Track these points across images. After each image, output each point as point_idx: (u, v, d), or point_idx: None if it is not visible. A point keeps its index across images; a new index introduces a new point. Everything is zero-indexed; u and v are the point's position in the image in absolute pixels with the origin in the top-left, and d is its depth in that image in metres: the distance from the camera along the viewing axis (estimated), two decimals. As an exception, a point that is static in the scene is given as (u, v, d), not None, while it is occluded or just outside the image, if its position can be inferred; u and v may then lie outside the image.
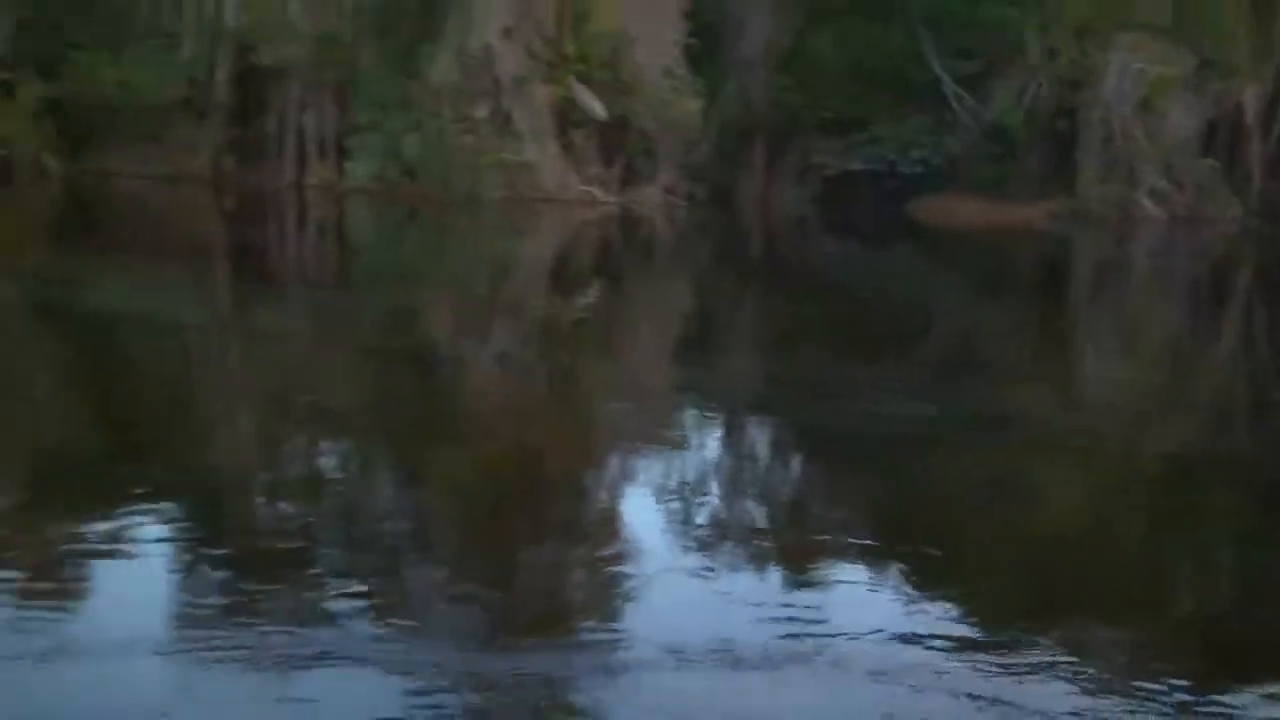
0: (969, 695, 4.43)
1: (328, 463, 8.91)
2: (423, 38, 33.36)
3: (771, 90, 37.16)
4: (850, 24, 35.90)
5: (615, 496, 8.02)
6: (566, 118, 33.99)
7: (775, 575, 6.03)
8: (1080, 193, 33.38)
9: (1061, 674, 4.68)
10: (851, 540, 6.63)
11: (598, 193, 34.13)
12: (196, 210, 30.64)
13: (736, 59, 37.71)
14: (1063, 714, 4.26)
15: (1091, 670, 4.74)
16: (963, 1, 33.49)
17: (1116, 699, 4.53)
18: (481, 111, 32.91)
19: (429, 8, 33.48)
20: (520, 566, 6.17)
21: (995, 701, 4.48)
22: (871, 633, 4.95)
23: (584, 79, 33.82)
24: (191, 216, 29.32)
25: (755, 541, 6.75)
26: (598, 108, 33.70)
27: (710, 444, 9.70)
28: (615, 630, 5.17)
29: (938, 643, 4.85)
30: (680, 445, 9.36)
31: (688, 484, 8.00)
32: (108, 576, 5.72)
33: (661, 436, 9.53)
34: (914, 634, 4.96)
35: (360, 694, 4.43)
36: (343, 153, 34.77)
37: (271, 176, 35.31)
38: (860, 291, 21.45)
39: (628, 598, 5.65)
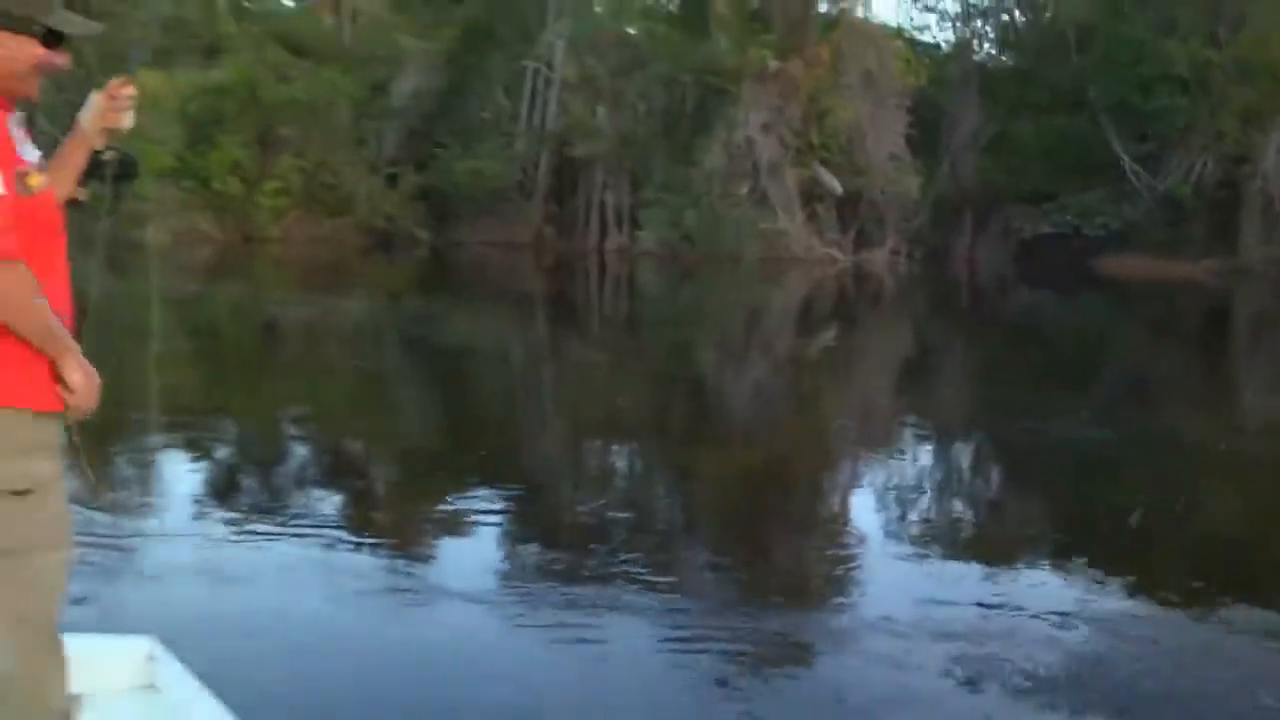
0: (1116, 637, 4.99)
1: (619, 461, 10.06)
2: (698, 133, 37.66)
3: (978, 169, 40.16)
4: (1045, 115, 38.40)
5: (844, 494, 8.65)
6: (811, 194, 37.76)
7: (975, 561, 6.45)
8: (1241, 252, 34.63)
9: (1232, 650, 5.09)
10: (1040, 534, 7.24)
11: (836, 254, 37.53)
12: (523, 269, 33.88)
13: (950, 144, 40.73)
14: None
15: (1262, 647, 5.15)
16: (1139, 92, 35.39)
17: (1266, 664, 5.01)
18: (744, 190, 36.94)
19: (703, 111, 37.90)
20: (765, 547, 6.90)
21: (1171, 664, 4.96)
22: (1051, 611, 5.29)
23: (825, 162, 37.70)
24: (519, 274, 32.44)
25: (959, 533, 7.36)
26: (836, 185, 37.45)
27: (923, 455, 10.35)
28: (841, 600, 5.77)
29: (1106, 619, 5.22)
30: (899, 455, 10.14)
31: (904, 486, 8.69)
32: (452, 542, 6.81)
33: (883, 447, 10.40)
34: (1087, 613, 5.29)
35: (638, 642, 5.04)
36: (635, 223, 39.80)
37: (579, 243, 40.70)
38: (1050, 334, 21.69)
39: (851, 575, 6.26)
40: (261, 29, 43.62)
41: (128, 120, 2.61)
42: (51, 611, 2.41)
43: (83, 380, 2.32)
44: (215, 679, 3.24)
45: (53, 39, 2.35)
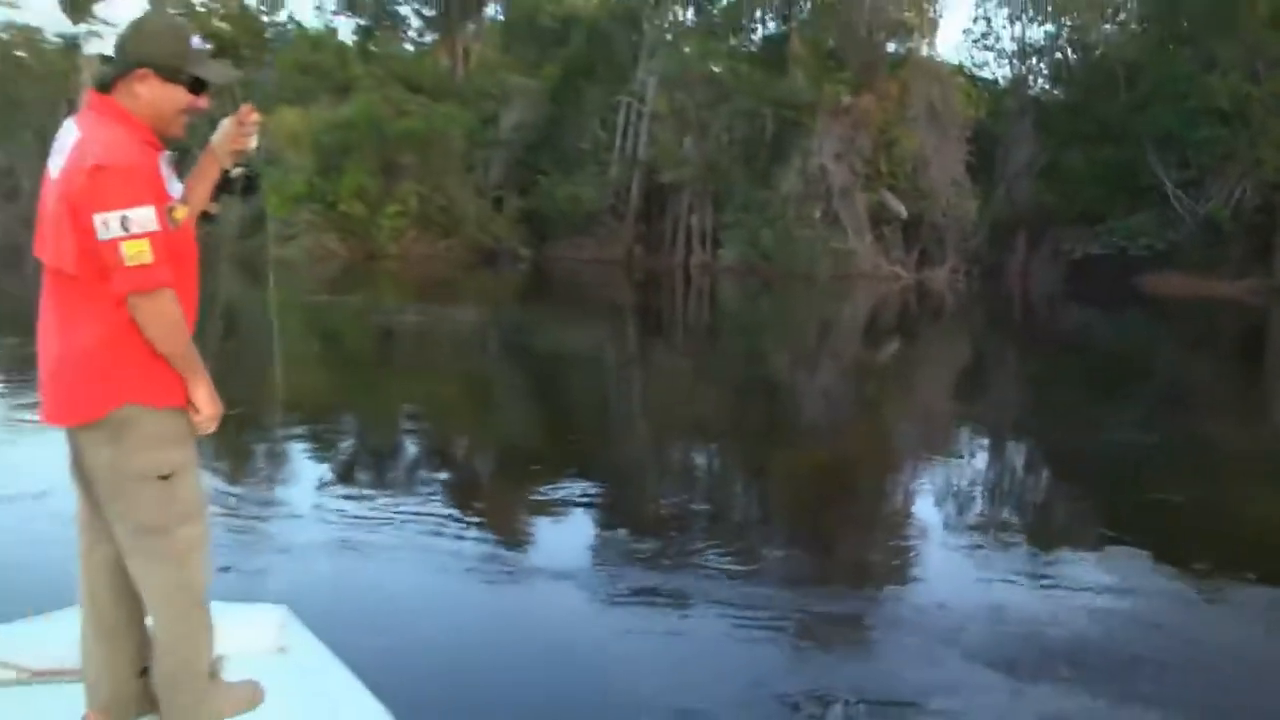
0: (1156, 625, 5.33)
1: (699, 458, 10.17)
2: (775, 161, 39.10)
3: (1032, 194, 40.83)
4: (1094, 144, 39.05)
5: (906, 490, 8.74)
6: (879, 216, 38.78)
7: (1027, 551, 6.67)
8: (1276, 273, 35.19)
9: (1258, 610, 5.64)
10: (1089, 527, 7.34)
11: (900, 272, 38.64)
12: (615, 283, 34.79)
13: (1006, 171, 41.63)
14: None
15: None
16: (1183, 124, 35.96)
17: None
18: (817, 212, 38.21)
19: (780, 141, 39.06)
20: (833, 537, 7.11)
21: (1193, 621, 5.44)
22: (1096, 595, 5.67)
23: (892, 188, 38.74)
24: (612, 287, 33.38)
25: (1013, 527, 7.40)
26: (901, 209, 38.54)
27: (980, 455, 10.51)
28: (903, 585, 5.96)
29: (1146, 603, 5.61)
30: (958, 455, 10.20)
31: (962, 483, 8.76)
32: (546, 526, 7.12)
33: (943, 448, 10.48)
34: (1129, 598, 5.66)
35: (712, 619, 5.27)
36: (716, 242, 41.25)
37: (666, 259, 42.45)
38: (1098, 347, 21.91)
39: (912, 562, 6.47)
40: (385, 70, 46.27)
41: (253, 142, 2.78)
42: (199, 578, 2.63)
43: (208, 405, 2.54)
44: (338, 641, 3.54)
45: (198, 85, 2.57)
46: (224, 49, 47.28)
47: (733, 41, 45.33)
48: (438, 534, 6.61)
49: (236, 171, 2.77)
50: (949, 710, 4.38)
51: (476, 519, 7.20)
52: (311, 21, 56.76)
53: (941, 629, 5.08)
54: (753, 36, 45.76)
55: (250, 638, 3.09)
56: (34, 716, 2.80)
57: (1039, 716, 4.40)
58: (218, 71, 2.64)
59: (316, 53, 47.02)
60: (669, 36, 44.55)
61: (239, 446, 8.98)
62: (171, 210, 2.47)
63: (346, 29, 55.27)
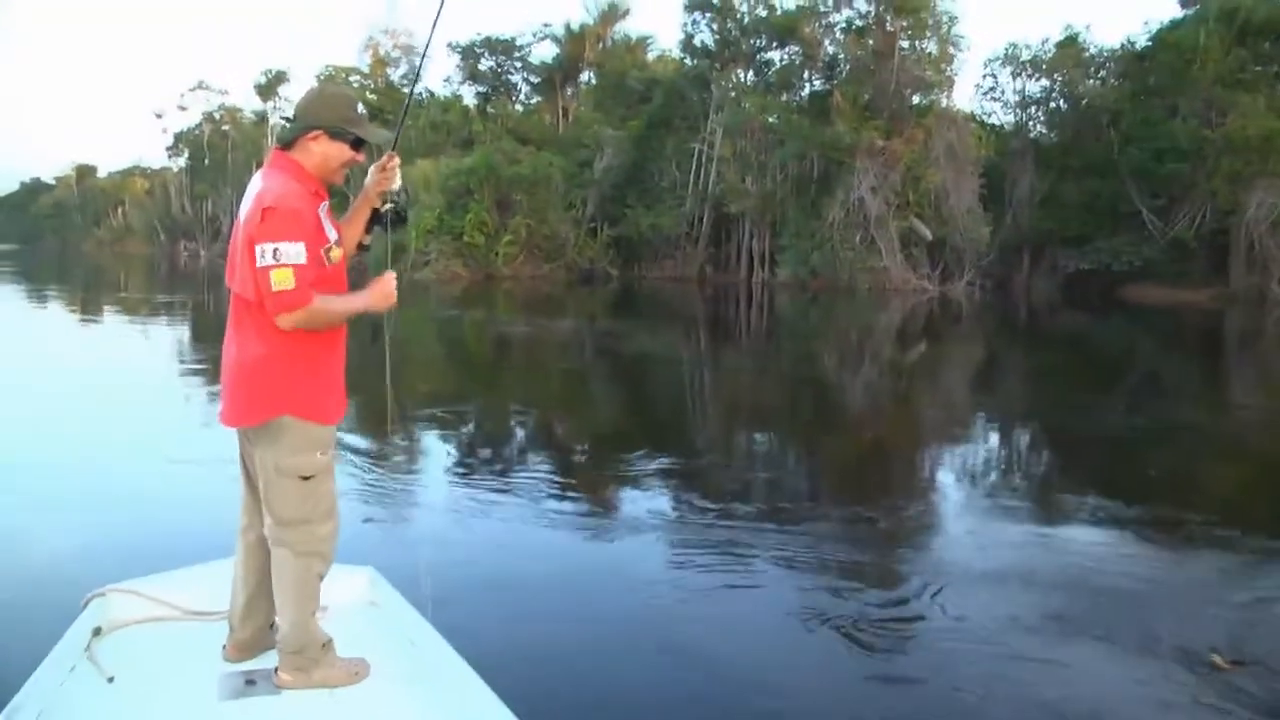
0: (1147, 579, 5.47)
1: (759, 442, 10.58)
2: (822, 194, 42.22)
3: (1032, 219, 43.22)
4: (1082, 177, 41.69)
5: (934, 467, 9.19)
6: (908, 239, 41.33)
7: (1036, 517, 6.99)
8: (1231, 283, 37.36)
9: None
10: (1090, 497, 7.65)
11: (926, 285, 41.04)
12: (689, 297, 36.60)
13: (1011, 200, 43.85)
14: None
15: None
16: (1154, 161, 38.52)
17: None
18: (857, 237, 40.93)
19: (826, 178, 42.17)
20: (874, 507, 7.29)
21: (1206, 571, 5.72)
22: (1096, 544, 6.07)
23: (918, 216, 41.23)
24: (686, 300, 34.94)
25: (1023, 496, 7.82)
26: (927, 233, 41.04)
27: (994, 437, 10.95)
28: (938, 545, 6.25)
29: (1134, 558, 5.86)
30: (976, 437, 10.69)
31: (980, 461, 9.39)
32: (633, 492, 7.45)
33: (964, 431, 10.94)
34: (1119, 554, 5.94)
35: (766, 568, 5.55)
36: (773, 262, 44.76)
37: (731, 277, 46.18)
38: (1088, 345, 22.45)
39: (942, 527, 6.75)
40: (500, 127, 51.88)
41: (396, 182, 3.13)
42: (324, 569, 2.96)
43: (383, 294, 2.98)
44: (459, 579, 4.25)
45: (358, 143, 2.93)
46: (374, 115, 54.67)
47: (785, 97, 47.82)
48: (538, 499, 7.03)
49: (386, 207, 3.13)
50: (962, 616, 4.85)
51: (575, 485, 7.65)
52: (441, 90, 63.31)
53: (966, 586, 5.27)
54: (802, 93, 48.13)
55: (346, 593, 3.40)
56: (181, 649, 3.18)
57: (1043, 614, 4.90)
58: (374, 132, 2.96)
59: (445, 114, 53.06)
60: (733, 94, 47.52)
61: (384, 431, 9.47)
62: (328, 250, 2.83)
63: (469, 95, 62.89)
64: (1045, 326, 29.19)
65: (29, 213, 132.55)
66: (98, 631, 3.23)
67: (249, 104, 78.93)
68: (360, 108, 2.95)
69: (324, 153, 2.90)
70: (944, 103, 43.22)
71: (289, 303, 2.71)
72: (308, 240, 2.74)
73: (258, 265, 2.71)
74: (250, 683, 3.03)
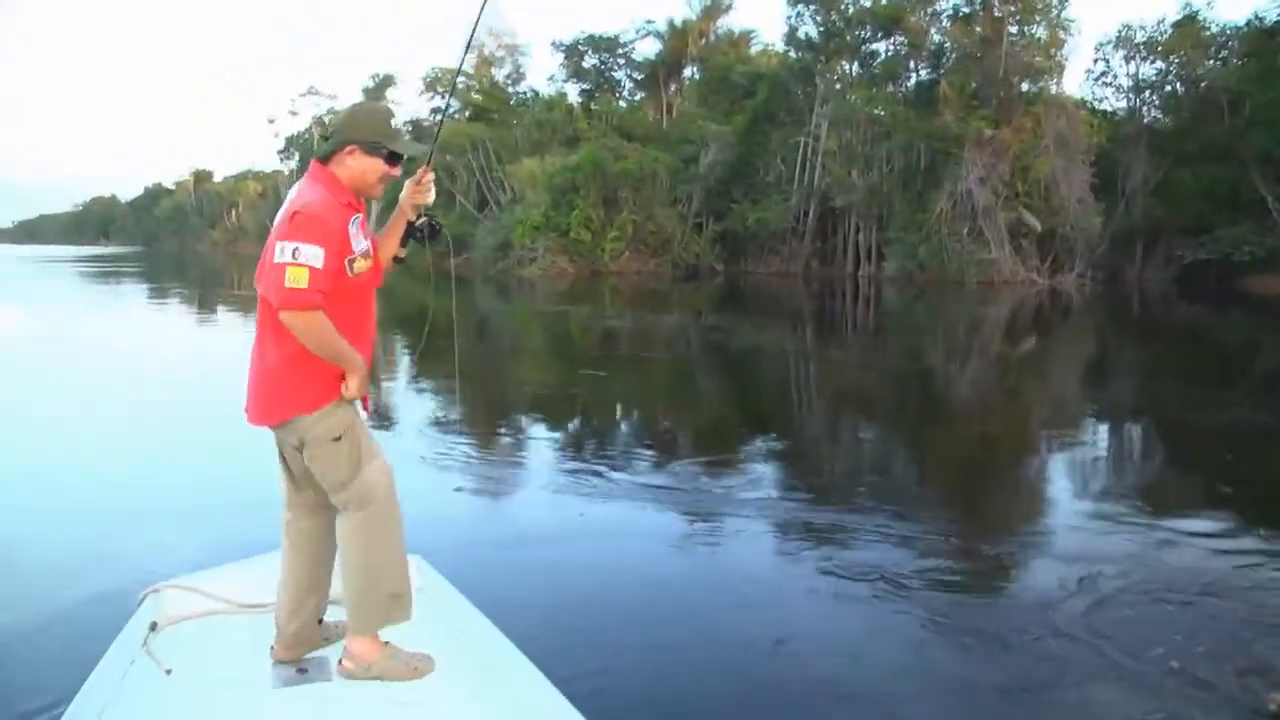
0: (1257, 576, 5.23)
1: (864, 432, 10.72)
2: (928, 186, 42.24)
3: (1146, 208, 42.57)
4: (1200, 164, 40.88)
5: (1041, 459, 9.08)
6: (1017, 231, 40.88)
7: (1147, 509, 6.76)
8: None
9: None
10: (1202, 492, 7.51)
11: (1035, 277, 40.61)
12: (796, 292, 36.44)
13: (1124, 189, 43.04)
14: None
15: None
16: (1279, 144, 37.48)
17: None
18: (965, 229, 40.68)
19: (933, 169, 42.16)
20: (979, 497, 7.52)
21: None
22: (1198, 534, 5.94)
23: (1027, 206, 40.64)
24: (793, 295, 34.88)
25: (1135, 489, 7.67)
26: (1036, 224, 40.46)
27: (1104, 432, 10.75)
28: (1035, 530, 6.28)
29: (1248, 553, 5.67)
30: (1087, 431, 10.53)
31: (1090, 454, 9.23)
32: (736, 476, 7.56)
33: (1074, 425, 10.79)
34: (1232, 549, 5.75)
35: (865, 552, 5.53)
36: (880, 255, 44.91)
37: (837, 271, 46.37)
38: (1204, 339, 22.14)
39: (1043, 514, 6.80)
40: (604, 124, 52.74)
41: (430, 197, 3.18)
42: (391, 495, 3.03)
43: (356, 386, 2.95)
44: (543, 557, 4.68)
45: (394, 158, 2.97)
46: (479, 114, 55.92)
47: (890, 88, 47.97)
48: (643, 481, 7.18)
49: (420, 221, 3.16)
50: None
51: (678, 468, 7.74)
52: (545, 89, 65.20)
53: (1072, 571, 5.23)
54: (908, 84, 48.12)
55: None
56: (235, 641, 3.26)
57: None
58: (409, 146, 3.01)
59: (550, 112, 53.93)
60: (838, 86, 47.85)
61: (486, 420, 9.93)
62: (352, 262, 2.86)
63: (574, 93, 64.33)
64: (1159, 319, 28.50)
65: (151, 215, 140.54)
66: (154, 626, 3.32)
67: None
68: (395, 122, 3.01)
69: (359, 167, 2.97)
70: (1054, 89, 42.47)
71: (297, 301, 2.76)
72: (329, 248, 2.79)
73: (275, 260, 2.77)
74: (302, 671, 3.11)
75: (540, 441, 9.21)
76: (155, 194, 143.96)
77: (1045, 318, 27.54)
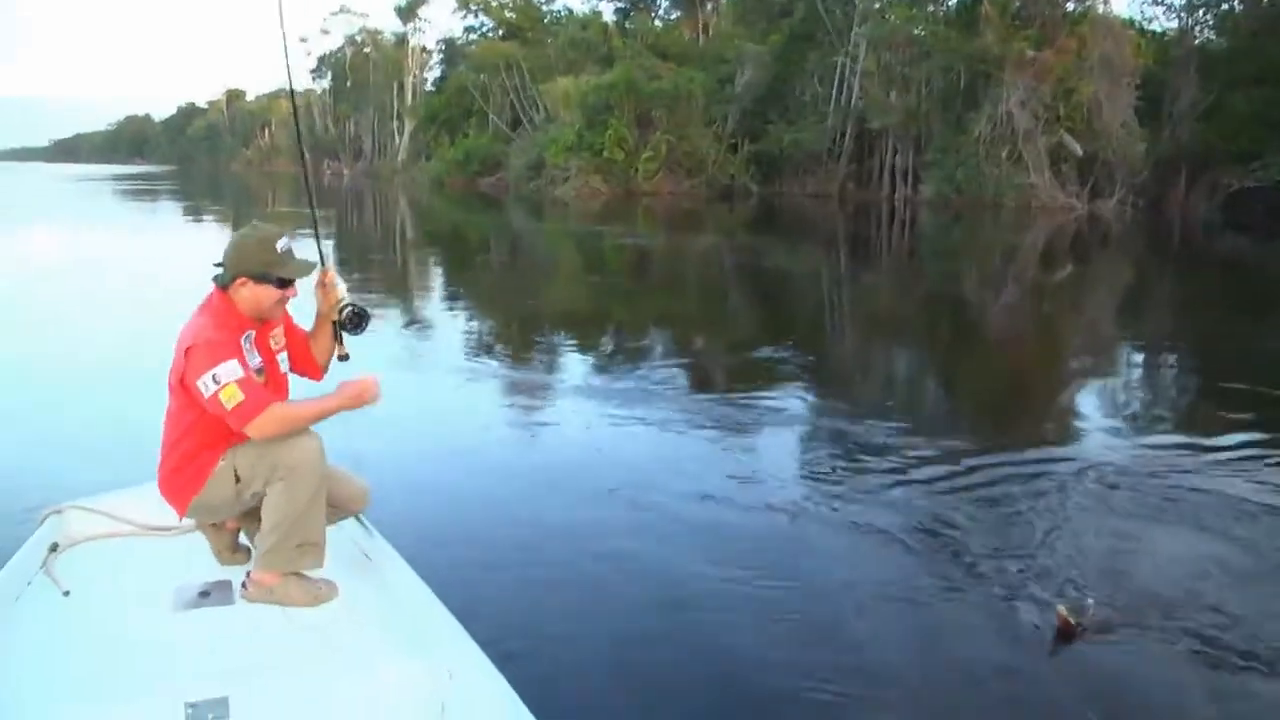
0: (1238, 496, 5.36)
1: (899, 355, 10.94)
2: (968, 108, 41.81)
3: (1194, 133, 40.84)
4: (1256, 88, 38.52)
5: (1075, 385, 9.20)
6: (1057, 155, 40.53)
7: (1174, 440, 6.82)
8: None
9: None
10: (1228, 415, 7.48)
11: (1075, 203, 40.21)
12: (830, 214, 37.08)
13: (1171, 113, 41.78)
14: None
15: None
16: None
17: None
18: (1004, 152, 40.43)
19: (972, 91, 41.54)
20: (1010, 422, 7.55)
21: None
22: (1236, 463, 5.99)
23: (1069, 130, 40.16)
24: (828, 218, 35.46)
25: (1158, 413, 7.94)
26: (1077, 148, 40.17)
27: (1136, 360, 10.91)
28: (1065, 456, 6.22)
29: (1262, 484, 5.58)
30: (1120, 360, 10.63)
31: (1122, 382, 9.44)
32: (769, 394, 7.83)
33: (1108, 354, 10.89)
34: (1260, 467, 5.89)
35: (885, 463, 5.88)
36: (917, 179, 44.66)
37: (873, 194, 45.85)
38: (1249, 270, 22.09)
39: (1066, 439, 6.89)
40: (639, 43, 52.47)
41: (340, 290, 3.29)
42: (315, 468, 3.01)
43: (367, 400, 3.06)
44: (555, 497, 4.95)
45: (284, 282, 3.05)
46: (511, 32, 55.45)
47: (931, 8, 47.09)
48: (673, 405, 7.38)
49: (345, 313, 3.25)
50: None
51: (706, 397, 7.86)
52: (579, 7, 66.75)
53: (1098, 487, 5.41)
54: (949, 3, 46.77)
55: (340, 544, 3.29)
56: (136, 563, 3.28)
57: (1165, 495, 5.25)
58: (296, 269, 3.07)
59: (584, 31, 53.83)
60: (877, 6, 46.97)
61: (523, 342, 10.23)
62: (258, 372, 3.02)
63: (608, 11, 64.08)
64: (1202, 249, 28.15)
65: (184, 135, 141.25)
66: (54, 547, 3.29)
67: (389, 26, 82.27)
68: (281, 245, 3.05)
69: (252, 296, 3.06)
70: (1100, 9, 41.66)
71: (248, 413, 2.86)
72: (236, 357, 2.91)
73: (207, 397, 2.86)
74: (204, 594, 3.12)
75: (586, 357, 9.70)
76: (188, 113, 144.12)
77: (1083, 245, 27.59)
